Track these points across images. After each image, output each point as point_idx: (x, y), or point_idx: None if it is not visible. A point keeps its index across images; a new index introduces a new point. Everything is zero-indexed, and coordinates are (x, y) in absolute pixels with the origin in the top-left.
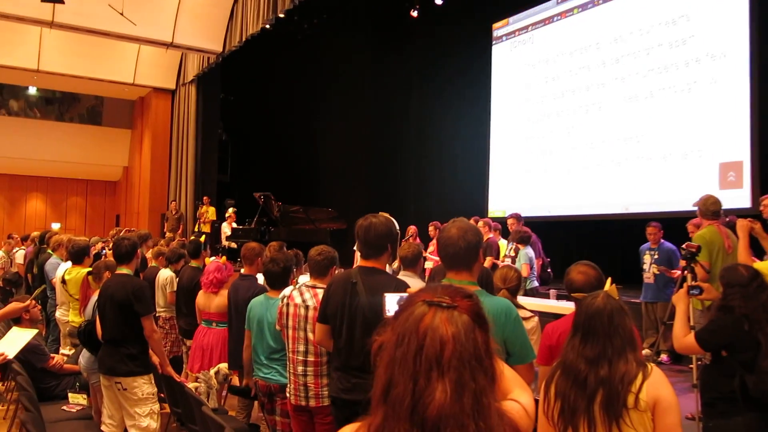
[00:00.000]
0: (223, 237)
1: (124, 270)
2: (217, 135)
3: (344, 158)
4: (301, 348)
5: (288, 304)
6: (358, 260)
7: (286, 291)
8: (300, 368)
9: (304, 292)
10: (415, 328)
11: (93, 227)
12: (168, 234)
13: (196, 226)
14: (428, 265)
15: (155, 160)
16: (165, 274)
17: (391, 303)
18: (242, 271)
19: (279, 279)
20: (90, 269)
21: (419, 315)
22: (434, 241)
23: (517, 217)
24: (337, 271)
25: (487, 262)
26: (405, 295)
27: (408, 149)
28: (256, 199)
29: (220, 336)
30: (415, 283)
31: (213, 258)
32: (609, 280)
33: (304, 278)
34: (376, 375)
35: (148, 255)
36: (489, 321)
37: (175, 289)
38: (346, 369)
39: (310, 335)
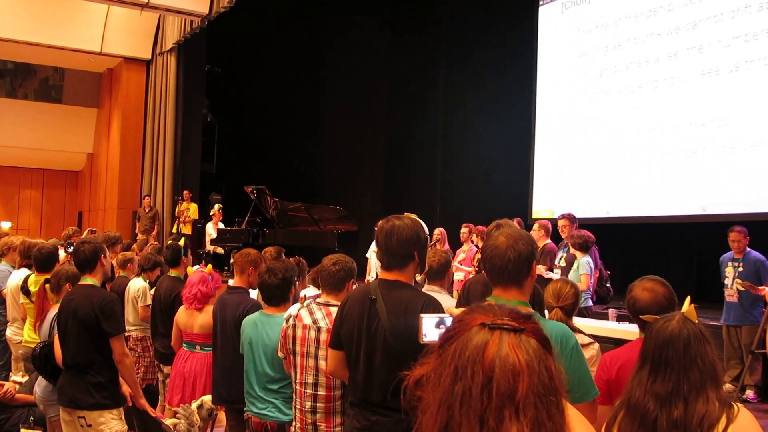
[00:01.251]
0: (207, 240)
1: (88, 280)
2: (202, 116)
3: (355, 146)
4: (310, 379)
5: (295, 326)
6: (371, 269)
7: (293, 309)
8: (308, 404)
9: (315, 310)
10: (479, 357)
11: (51, 226)
12: (140, 236)
13: (175, 227)
14: (458, 276)
15: (126, 145)
16: (136, 285)
17: (429, 327)
18: (230, 282)
19: (277, 293)
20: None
21: (481, 341)
22: (465, 248)
23: (570, 218)
24: (354, 286)
25: (537, 271)
26: (447, 316)
27: (433, 136)
28: (247, 193)
29: (205, 362)
30: (443, 300)
31: (197, 267)
32: (688, 299)
33: (310, 292)
34: (423, 417)
35: (114, 262)
36: (554, 347)
37: (148, 302)
38: (365, 405)
39: (322, 363)
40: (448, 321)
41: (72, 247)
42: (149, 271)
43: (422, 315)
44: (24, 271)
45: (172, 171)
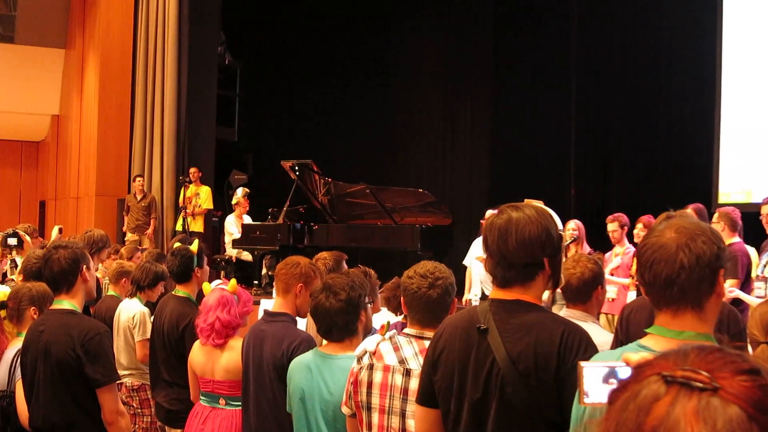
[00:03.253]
0: (227, 241)
1: (65, 303)
2: (216, 57)
3: (446, 104)
4: None
5: (372, 367)
6: (472, 284)
7: (369, 342)
8: None
9: (403, 345)
10: (641, 419)
11: (1, 222)
12: (130, 236)
13: (179, 222)
14: (610, 294)
15: (107, 103)
16: (131, 309)
17: (594, 381)
18: (264, 306)
19: (340, 322)
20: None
21: (650, 396)
22: (619, 250)
23: None
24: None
25: (728, 291)
26: (621, 365)
27: (563, 87)
28: (286, 171)
29: (233, 422)
30: (592, 333)
31: (217, 282)
32: None
33: (389, 318)
34: None
35: (100, 274)
36: None
37: (149, 335)
38: None
39: (412, 424)
40: (623, 372)
41: (11, 239)
42: (149, 289)
43: (583, 364)
44: None
45: (174, 139)
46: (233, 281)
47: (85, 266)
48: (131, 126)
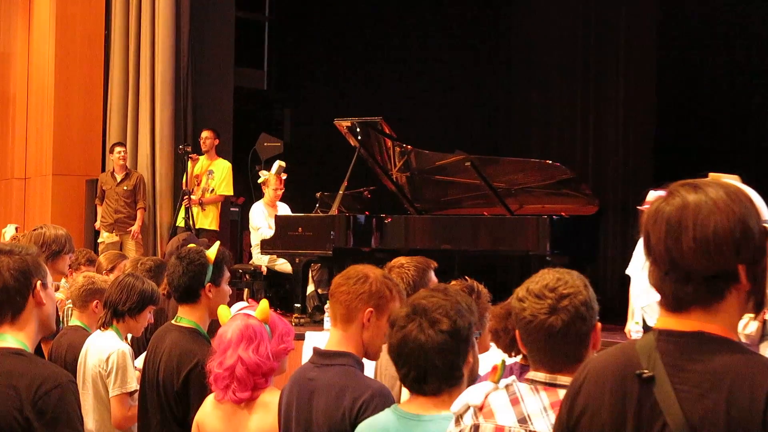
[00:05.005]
0: (253, 242)
1: (8, 339)
2: None
3: (584, 32)
4: None
5: (477, 430)
6: (635, 308)
7: (472, 394)
8: None
9: (526, 396)
10: None
11: None
12: (107, 235)
13: (181, 215)
14: None
15: (69, 35)
16: (104, 349)
17: None
18: (313, 342)
19: (442, 365)
20: None
21: None
22: None
23: None
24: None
25: None
26: None
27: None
28: (342, 134)
29: None
30: None
31: (242, 305)
32: None
33: (503, 359)
34: None
35: (63, 293)
36: None
37: (132, 387)
38: None
39: None
40: None
41: None
42: (131, 317)
43: None
44: None
45: (171, 90)
46: (264, 303)
47: (39, 282)
48: (106, 70)
